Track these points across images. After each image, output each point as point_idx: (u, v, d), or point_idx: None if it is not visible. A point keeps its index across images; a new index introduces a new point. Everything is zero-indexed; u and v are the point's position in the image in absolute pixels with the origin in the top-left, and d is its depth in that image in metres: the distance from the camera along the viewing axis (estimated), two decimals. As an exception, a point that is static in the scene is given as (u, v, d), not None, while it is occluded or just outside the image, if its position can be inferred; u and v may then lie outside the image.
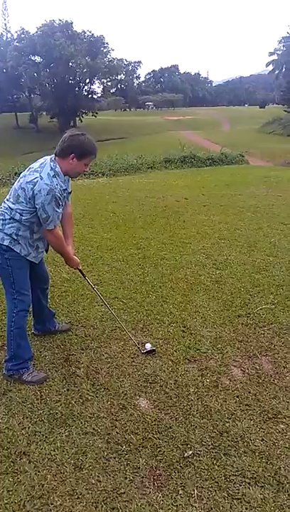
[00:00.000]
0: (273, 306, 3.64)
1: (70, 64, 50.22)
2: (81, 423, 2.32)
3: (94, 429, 2.28)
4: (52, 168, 2.44)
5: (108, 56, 56.30)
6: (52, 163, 2.47)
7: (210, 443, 2.19)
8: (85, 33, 53.45)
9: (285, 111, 45.69)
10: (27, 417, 2.37)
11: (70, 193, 2.72)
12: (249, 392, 2.59)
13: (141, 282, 4.14)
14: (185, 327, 3.32)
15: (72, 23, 51.57)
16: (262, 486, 1.94)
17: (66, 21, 51.31)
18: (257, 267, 4.52)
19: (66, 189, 2.60)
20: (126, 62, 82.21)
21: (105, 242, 5.40)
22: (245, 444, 2.19)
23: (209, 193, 8.73)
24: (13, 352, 2.68)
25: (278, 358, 2.94)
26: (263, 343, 3.12)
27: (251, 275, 4.31)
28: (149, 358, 2.93)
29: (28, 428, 2.29)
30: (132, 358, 2.95)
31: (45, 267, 3.05)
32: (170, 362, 2.89)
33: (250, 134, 40.59)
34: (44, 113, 57.14)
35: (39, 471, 2.02)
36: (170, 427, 2.30)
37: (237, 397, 2.55)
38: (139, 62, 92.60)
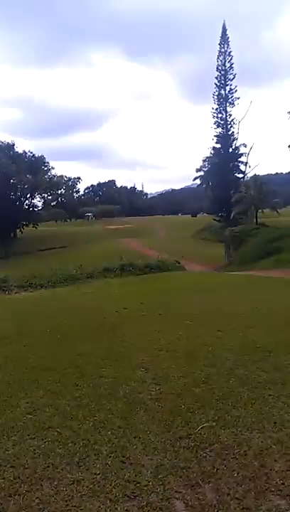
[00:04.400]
0: (214, 424, 3.56)
1: (12, 181, 53.35)
2: None
3: None
4: None
5: (48, 173, 60.87)
6: None
7: None
8: (26, 153, 58.11)
9: (214, 219, 50.32)
10: None
11: None
12: (194, 531, 2.39)
13: (78, 406, 3.93)
14: (124, 457, 3.11)
15: (13, 145, 56.30)
16: None
17: (8, 143, 55.97)
18: (197, 380, 4.50)
19: None
20: (66, 179, 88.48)
21: (42, 361, 5.18)
22: None
23: (148, 301, 8.94)
24: None
25: (221, 484, 2.80)
26: (205, 467, 2.97)
27: (191, 389, 4.26)
28: (86, 498, 2.66)
29: None
30: (66, 500, 2.66)
31: None
32: (108, 501, 2.64)
33: (184, 240, 43.65)
34: (-16, 225, 58.07)
35: None
36: None
37: (181, 538, 2.34)
38: (79, 178, 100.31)
